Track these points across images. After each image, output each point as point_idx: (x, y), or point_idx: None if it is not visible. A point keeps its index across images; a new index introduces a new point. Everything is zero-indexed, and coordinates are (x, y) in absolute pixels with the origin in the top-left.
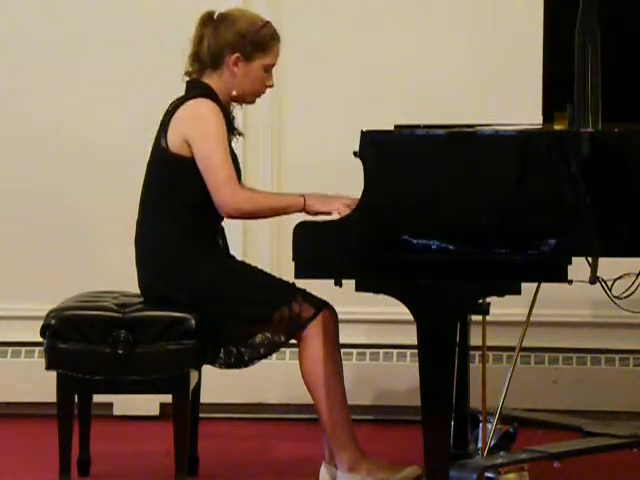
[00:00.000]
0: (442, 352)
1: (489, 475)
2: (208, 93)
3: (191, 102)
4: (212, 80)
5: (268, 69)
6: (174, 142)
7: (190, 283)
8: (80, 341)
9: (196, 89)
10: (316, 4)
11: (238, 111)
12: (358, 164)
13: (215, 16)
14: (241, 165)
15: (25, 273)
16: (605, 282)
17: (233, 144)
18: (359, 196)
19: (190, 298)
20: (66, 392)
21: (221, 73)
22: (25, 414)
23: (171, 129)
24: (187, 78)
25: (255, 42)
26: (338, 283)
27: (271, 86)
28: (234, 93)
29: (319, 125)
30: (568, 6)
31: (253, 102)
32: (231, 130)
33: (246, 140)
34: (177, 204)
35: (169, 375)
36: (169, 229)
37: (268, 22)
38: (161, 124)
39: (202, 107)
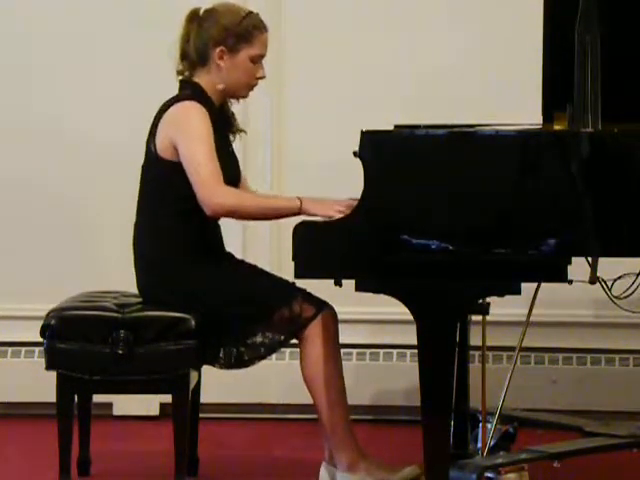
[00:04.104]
0: (442, 352)
1: (489, 475)
2: (196, 94)
3: (176, 105)
4: (202, 78)
5: (256, 60)
6: (161, 146)
7: (189, 285)
8: (80, 341)
9: (185, 90)
10: (316, 4)
11: (239, 111)
12: (358, 164)
13: (201, 13)
14: (241, 165)
15: (25, 273)
16: (605, 282)
17: (235, 143)
18: (359, 196)
19: (189, 300)
20: (66, 392)
21: (209, 69)
22: (25, 414)
23: (158, 133)
24: (180, 77)
25: (238, 34)
26: (338, 283)
27: (262, 77)
28: (221, 87)
29: (319, 125)
30: (568, 6)
31: (246, 96)
32: (229, 128)
33: (246, 140)
34: (171, 207)
35: (169, 375)
36: (165, 232)
37: (251, 12)
38: (151, 127)
39: (186, 109)
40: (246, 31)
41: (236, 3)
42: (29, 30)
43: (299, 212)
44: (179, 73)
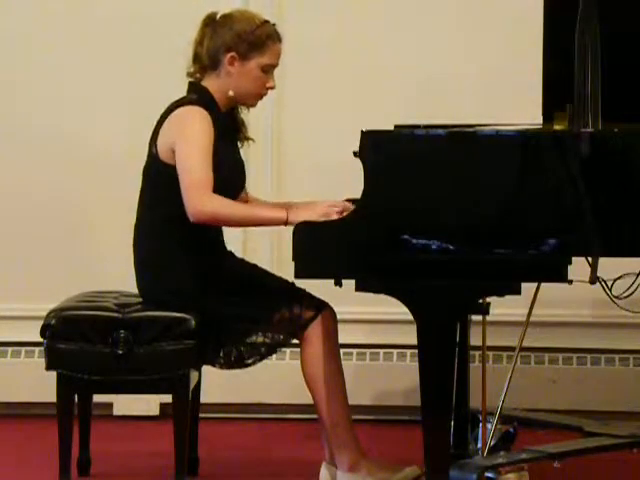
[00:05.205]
0: (442, 352)
1: (489, 475)
2: (202, 98)
3: (180, 109)
4: (211, 82)
5: (267, 70)
6: (162, 149)
7: (189, 286)
8: (80, 341)
9: (192, 93)
10: (317, 4)
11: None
12: (358, 164)
13: (217, 17)
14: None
15: (25, 273)
16: (605, 282)
17: (241, 150)
18: (359, 196)
19: (189, 300)
20: (66, 392)
21: (219, 74)
22: (25, 414)
23: (160, 136)
24: (190, 79)
25: (251, 41)
26: (338, 283)
27: (272, 88)
28: (231, 93)
29: (319, 125)
30: (568, 6)
31: (254, 105)
32: (237, 135)
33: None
34: (172, 208)
35: (169, 375)
36: (166, 232)
37: (267, 22)
38: (154, 128)
39: (188, 114)
40: (259, 39)
41: (254, 11)
42: (29, 31)
43: (285, 224)
44: (190, 75)
